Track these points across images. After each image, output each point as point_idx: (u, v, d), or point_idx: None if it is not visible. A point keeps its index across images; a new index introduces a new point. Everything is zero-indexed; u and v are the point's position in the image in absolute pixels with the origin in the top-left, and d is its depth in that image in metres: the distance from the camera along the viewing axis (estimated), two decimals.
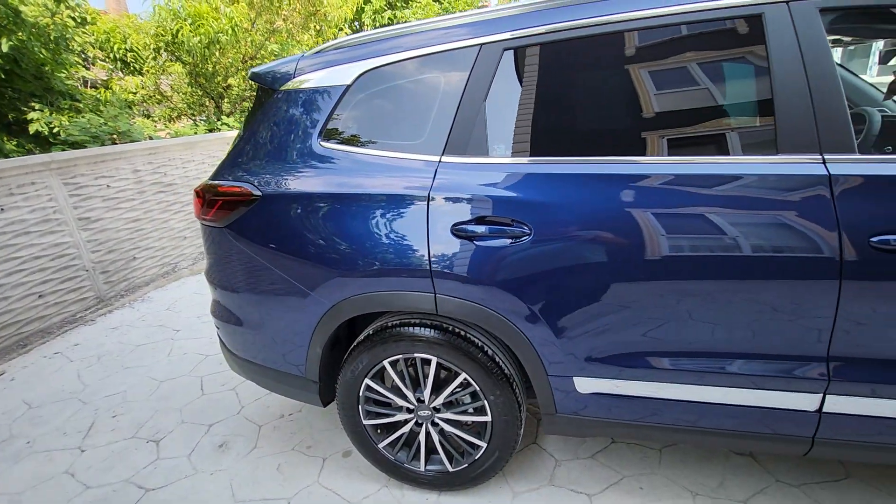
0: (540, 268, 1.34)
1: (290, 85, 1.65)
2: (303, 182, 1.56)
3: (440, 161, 1.45)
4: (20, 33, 4.87)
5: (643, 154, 1.32)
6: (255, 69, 1.79)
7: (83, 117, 5.36)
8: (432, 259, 1.41)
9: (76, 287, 3.62)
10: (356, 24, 9.42)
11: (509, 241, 1.36)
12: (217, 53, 6.41)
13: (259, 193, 1.60)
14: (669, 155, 1.31)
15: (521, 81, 1.44)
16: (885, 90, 2.07)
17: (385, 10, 9.38)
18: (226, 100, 7.16)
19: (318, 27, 7.68)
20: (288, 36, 7.37)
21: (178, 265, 4.51)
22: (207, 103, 7.16)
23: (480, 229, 1.38)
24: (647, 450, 1.86)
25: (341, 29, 8.42)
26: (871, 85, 2.22)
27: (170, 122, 7.31)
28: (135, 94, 6.77)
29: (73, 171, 3.57)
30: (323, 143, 1.58)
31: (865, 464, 1.71)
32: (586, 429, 1.53)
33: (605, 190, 1.30)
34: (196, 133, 6.22)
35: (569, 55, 1.38)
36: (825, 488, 1.63)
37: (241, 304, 1.77)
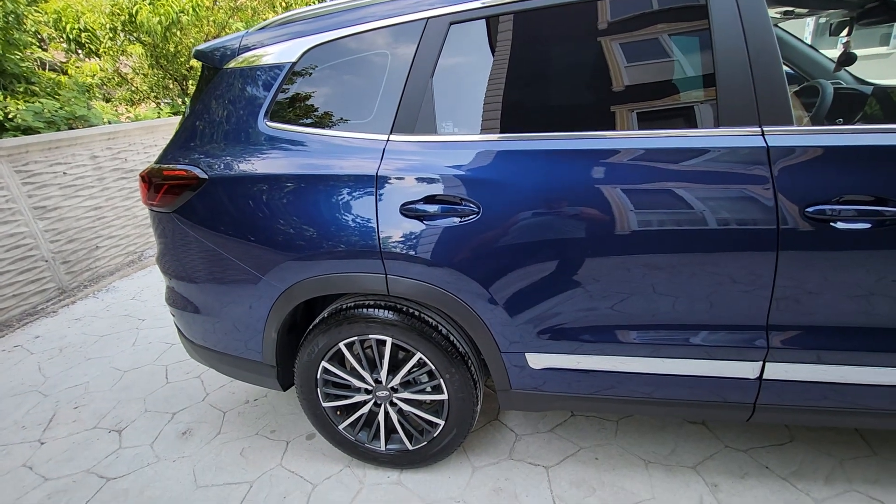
0: (488, 246, 1.34)
1: (234, 63, 1.59)
2: (248, 164, 1.52)
3: (388, 140, 1.43)
4: None
5: (588, 129, 1.31)
6: (199, 47, 1.73)
7: (39, 102, 5.10)
8: (382, 240, 1.40)
9: (35, 278, 3.50)
10: None
11: (458, 219, 1.35)
12: (178, 34, 6.14)
13: (205, 176, 1.55)
14: (614, 130, 1.31)
15: (468, 56, 1.41)
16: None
17: None
18: (190, 81, 6.90)
19: (284, 3, 7.41)
20: (253, 14, 7.09)
21: (145, 253, 4.40)
22: (171, 85, 6.89)
23: (429, 209, 1.37)
24: (605, 422, 1.91)
25: (310, 4, 8.14)
26: (826, 57, 2.25)
27: (132, 105, 7.02)
28: (92, 77, 6.46)
29: (24, 157, 3.42)
30: (269, 123, 1.53)
31: (809, 427, 1.78)
32: (541, 403, 1.55)
33: (550, 166, 1.30)
34: (160, 116, 6.00)
35: (516, 29, 1.35)
36: (771, 452, 1.70)
37: (194, 290, 1.73)
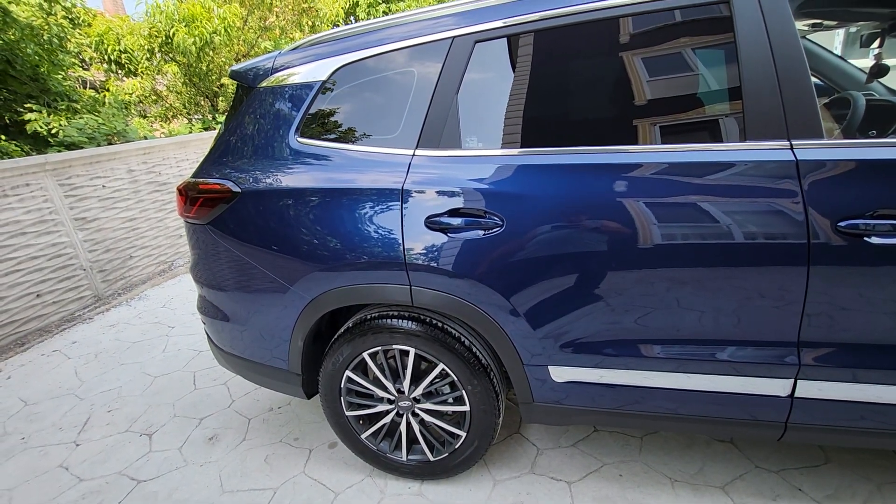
0: (512, 258, 1.36)
1: (267, 82, 1.67)
2: (279, 178, 1.58)
3: (414, 154, 1.46)
4: (10, 33, 4.89)
5: (613, 144, 1.32)
6: (235, 67, 1.81)
7: (81, 118, 5.39)
8: (407, 251, 1.43)
9: (74, 286, 3.66)
10: (352, 18, 9.40)
11: (482, 232, 1.37)
12: (211, 53, 6.42)
13: (238, 190, 1.62)
14: (638, 144, 1.31)
15: (492, 73, 1.45)
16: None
17: (380, 3, 9.35)
18: (221, 98, 7.18)
19: (311, 23, 7.67)
20: (281, 33, 7.36)
21: (175, 263, 4.55)
22: (203, 102, 7.18)
23: (454, 221, 1.39)
24: (629, 438, 1.88)
25: (336, 24, 8.41)
26: (857, 68, 2.21)
27: (165, 121, 7.34)
28: (130, 94, 6.80)
29: (68, 171, 3.60)
30: (300, 139, 1.59)
31: (845, 448, 1.72)
32: (564, 417, 1.54)
33: (574, 180, 1.31)
34: (191, 132, 6.26)
35: (540, 45, 1.38)
36: (804, 473, 1.64)
37: (225, 299, 1.79)
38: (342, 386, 1.69)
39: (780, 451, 1.74)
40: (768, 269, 1.20)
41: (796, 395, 1.29)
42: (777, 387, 1.30)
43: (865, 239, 1.11)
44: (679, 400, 1.39)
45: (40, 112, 5.17)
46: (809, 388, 1.28)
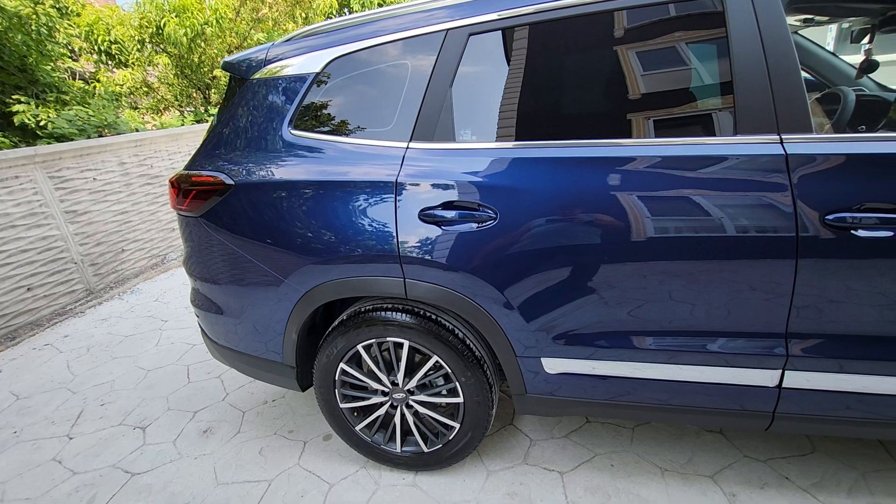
0: (505, 251, 1.36)
1: (260, 74, 1.65)
2: (273, 170, 1.57)
3: (408, 147, 1.46)
4: None
5: (606, 137, 1.32)
6: (228, 58, 1.79)
7: (70, 110, 5.32)
8: (401, 244, 1.43)
9: (65, 280, 3.63)
10: (346, 10, 9.31)
11: (476, 225, 1.37)
12: (203, 45, 6.35)
13: (231, 182, 1.61)
14: (631, 138, 1.32)
15: (486, 66, 1.45)
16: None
17: None
18: (213, 90, 7.10)
19: (304, 15, 7.59)
20: (274, 25, 7.28)
21: (167, 256, 4.53)
22: (195, 94, 7.10)
23: (447, 214, 1.39)
24: (621, 429, 1.91)
25: (330, 16, 8.33)
26: (848, 64, 2.22)
27: (157, 113, 7.25)
28: (121, 86, 6.71)
29: (58, 164, 3.56)
30: (293, 132, 1.59)
31: (831, 438, 1.75)
32: (556, 408, 1.56)
33: (568, 173, 1.31)
34: (183, 124, 6.19)
35: (534, 38, 1.38)
36: (791, 462, 1.68)
37: (218, 292, 1.79)
38: (336, 378, 1.69)
39: (767, 441, 1.77)
40: (758, 261, 1.22)
41: (784, 385, 1.32)
42: (765, 377, 1.32)
43: (852, 232, 1.13)
44: (670, 391, 1.41)
45: (28, 104, 5.08)
46: (797, 379, 1.30)
